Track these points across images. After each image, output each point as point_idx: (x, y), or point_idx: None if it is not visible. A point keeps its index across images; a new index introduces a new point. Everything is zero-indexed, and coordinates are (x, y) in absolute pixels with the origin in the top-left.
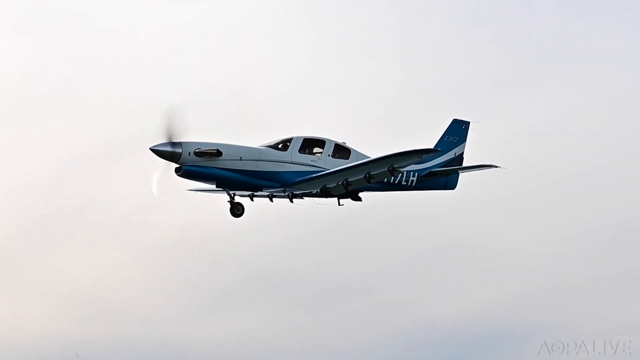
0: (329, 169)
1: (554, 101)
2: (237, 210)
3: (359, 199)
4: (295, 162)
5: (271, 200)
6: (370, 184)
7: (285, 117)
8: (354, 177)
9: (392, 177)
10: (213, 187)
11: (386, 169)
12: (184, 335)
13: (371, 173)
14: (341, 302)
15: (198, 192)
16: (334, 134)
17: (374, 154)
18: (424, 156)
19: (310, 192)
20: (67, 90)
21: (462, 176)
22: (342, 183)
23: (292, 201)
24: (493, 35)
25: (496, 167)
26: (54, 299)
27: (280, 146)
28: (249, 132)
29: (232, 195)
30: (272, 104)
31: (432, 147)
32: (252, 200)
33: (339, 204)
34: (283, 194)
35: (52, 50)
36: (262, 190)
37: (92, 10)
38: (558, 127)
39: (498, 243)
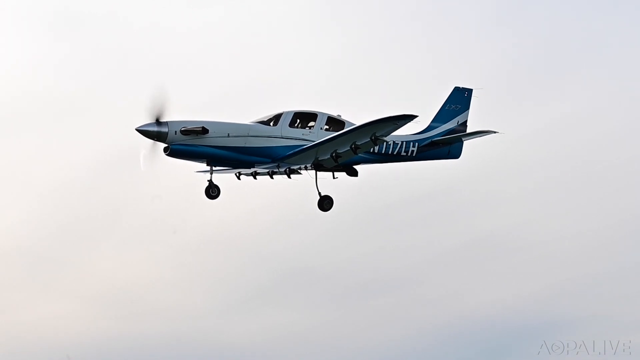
0: None
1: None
2: (212, 192)
3: (355, 174)
4: (285, 136)
5: (271, 177)
6: (356, 154)
7: (285, 92)
8: (341, 149)
9: (391, 146)
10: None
11: (369, 139)
12: (218, 333)
13: (357, 143)
14: (367, 296)
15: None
16: (330, 108)
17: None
18: (400, 122)
19: (306, 166)
20: (101, 90)
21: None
22: (332, 155)
23: (289, 177)
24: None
25: (494, 132)
26: (89, 298)
27: (270, 121)
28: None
29: (237, 174)
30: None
31: (413, 113)
32: (255, 178)
33: (334, 177)
34: (280, 170)
35: (85, 51)
36: (253, 167)
37: (125, 12)
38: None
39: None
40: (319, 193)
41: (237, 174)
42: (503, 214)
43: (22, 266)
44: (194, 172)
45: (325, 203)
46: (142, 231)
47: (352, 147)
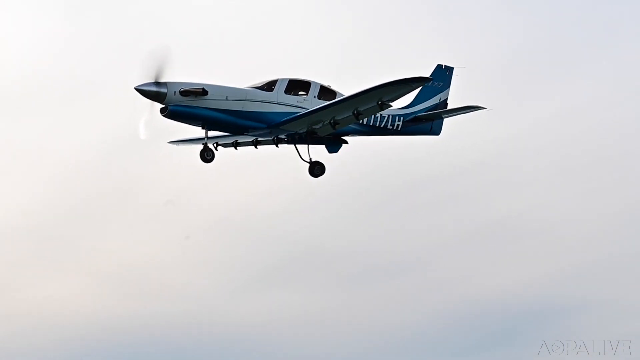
0: None
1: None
2: (207, 155)
3: (344, 142)
4: (281, 102)
5: (256, 147)
6: (358, 121)
7: (269, 61)
8: (341, 115)
9: (378, 118)
10: (193, 135)
11: (375, 103)
12: (230, 313)
13: (359, 109)
14: (374, 279)
15: (179, 145)
16: (318, 78)
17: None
18: (415, 85)
19: (296, 134)
20: (112, 71)
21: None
22: (330, 122)
23: (277, 146)
24: None
25: (482, 108)
26: (97, 277)
27: (265, 87)
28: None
29: (215, 145)
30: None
31: (426, 75)
32: (236, 149)
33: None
34: (269, 138)
35: (99, 32)
36: (247, 132)
37: None
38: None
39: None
40: (310, 159)
41: (215, 144)
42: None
43: (33, 245)
44: (166, 143)
45: (316, 169)
46: (153, 211)
47: (355, 112)
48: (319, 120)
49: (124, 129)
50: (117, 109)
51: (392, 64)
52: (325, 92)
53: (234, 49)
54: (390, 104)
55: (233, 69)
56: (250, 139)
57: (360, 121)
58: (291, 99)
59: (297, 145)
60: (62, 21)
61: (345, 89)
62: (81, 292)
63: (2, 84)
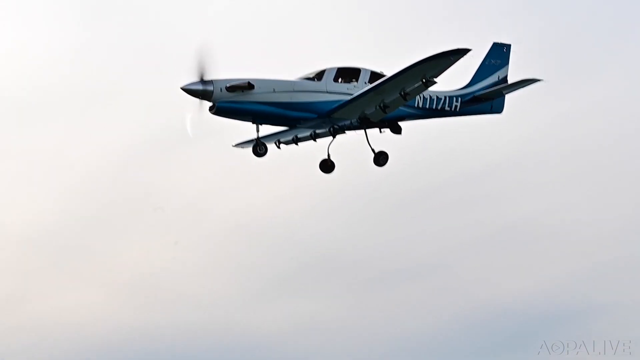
0: None
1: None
2: (259, 149)
3: (399, 131)
4: (330, 91)
5: (315, 140)
6: (406, 101)
7: (315, 51)
8: (389, 98)
9: (435, 100)
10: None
11: (419, 81)
12: (247, 322)
13: (406, 89)
14: (386, 285)
15: (245, 147)
16: (369, 64)
17: None
18: (454, 57)
19: (351, 123)
20: (130, 78)
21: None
22: (380, 106)
23: (334, 137)
24: None
25: (538, 80)
26: (113, 285)
27: (314, 77)
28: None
29: (277, 143)
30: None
31: (466, 47)
32: (296, 144)
33: (380, 132)
34: (325, 130)
35: (114, 40)
36: (299, 124)
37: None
38: None
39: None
40: (373, 150)
41: (277, 142)
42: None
43: (50, 253)
44: (232, 147)
45: (381, 158)
46: (169, 218)
47: (402, 93)
48: (368, 104)
49: (141, 134)
50: (135, 114)
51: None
52: (377, 78)
53: (275, 41)
54: (435, 80)
55: (277, 61)
56: (308, 132)
57: (416, 104)
58: (341, 87)
59: (366, 131)
60: (77, 27)
61: None
62: (98, 300)
63: (18, 91)
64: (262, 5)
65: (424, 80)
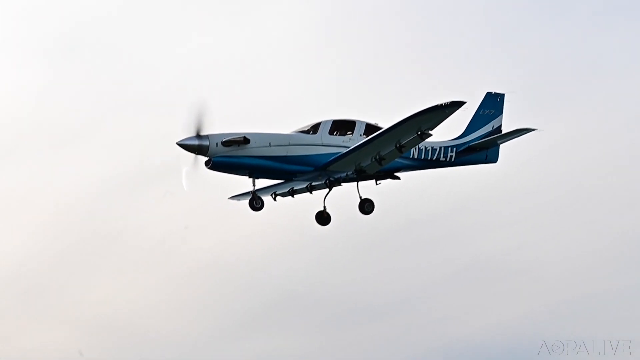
0: None
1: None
2: (256, 203)
3: (397, 178)
4: (326, 144)
5: (310, 193)
6: (402, 154)
7: (310, 105)
8: (385, 150)
9: (430, 151)
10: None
11: (415, 134)
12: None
13: (401, 142)
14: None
15: (240, 200)
16: (364, 117)
17: None
18: (449, 110)
19: (347, 175)
20: (101, 116)
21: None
22: (375, 158)
23: (330, 189)
24: None
25: (533, 130)
26: (83, 324)
27: (309, 130)
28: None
29: (272, 195)
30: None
31: (461, 99)
32: (293, 197)
33: (377, 183)
34: (321, 182)
35: (85, 78)
36: (295, 177)
37: (122, 38)
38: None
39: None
40: (360, 196)
41: (273, 195)
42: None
43: (18, 292)
44: (227, 199)
45: (366, 206)
46: (140, 256)
47: (397, 146)
48: (364, 157)
49: (111, 173)
50: (102, 155)
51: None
52: (372, 130)
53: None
54: (430, 132)
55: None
56: (304, 184)
57: (411, 155)
58: (337, 139)
59: (358, 183)
60: (46, 68)
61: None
62: (69, 339)
63: None
64: (253, 57)
65: (419, 133)
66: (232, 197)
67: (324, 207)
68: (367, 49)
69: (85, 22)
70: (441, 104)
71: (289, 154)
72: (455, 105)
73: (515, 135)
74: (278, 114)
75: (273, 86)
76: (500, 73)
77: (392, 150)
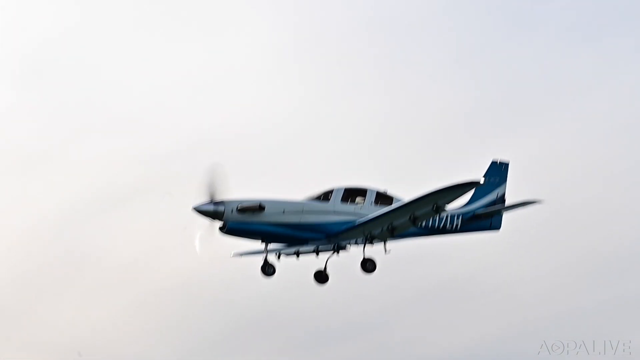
0: None
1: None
2: (268, 269)
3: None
4: (338, 211)
5: (317, 255)
6: (415, 225)
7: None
8: (398, 221)
9: (437, 220)
10: (257, 247)
11: (430, 209)
12: None
13: (416, 214)
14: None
15: (243, 257)
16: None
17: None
18: (467, 189)
19: (356, 241)
20: (66, 140)
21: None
22: (387, 228)
23: (337, 253)
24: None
25: (539, 202)
26: (51, 349)
27: (322, 197)
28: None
29: (277, 254)
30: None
31: (477, 179)
32: (297, 257)
33: (385, 252)
34: (328, 247)
35: (50, 99)
36: (307, 244)
37: (88, 61)
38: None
39: None
40: (364, 255)
41: (277, 254)
42: None
43: None
44: (232, 257)
45: (368, 264)
46: (105, 280)
47: (411, 218)
48: (376, 227)
49: (77, 196)
50: (68, 177)
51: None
52: (382, 198)
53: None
54: (446, 208)
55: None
56: (312, 247)
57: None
58: (348, 207)
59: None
60: (9, 89)
61: (401, 191)
62: None
63: None
64: (263, 121)
65: (434, 208)
66: (236, 255)
67: (325, 267)
68: (373, 115)
69: (50, 42)
70: (460, 183)
71: (302, 222)
72: (474, 184)
73: (519, 207)
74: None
75: (283, 150)
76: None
77: (405, 221)
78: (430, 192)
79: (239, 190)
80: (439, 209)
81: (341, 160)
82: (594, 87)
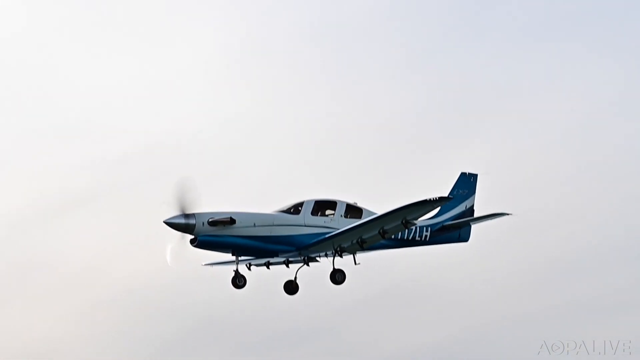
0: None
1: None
2: (238, 282)
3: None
4: (308, 224)
5: (287, 266)
6: (384, 239)
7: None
8: (368, 234)
9: (406, 231)
10: (228, 258)
11: (399, 223)
12: None
13: (385, 228)
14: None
15: (214, 266)
16: (342, 195)
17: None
18: (436, 204)
19: (325, 254)
20: (14, 145)
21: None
22: (357, 241)
23: (308, 264)
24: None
25: (507, 214)
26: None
27: (292, 210)
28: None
29: (247, 265)
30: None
31: (447, 195)
32: (268, 268)
33: (355, 263)
34: (299, 258)
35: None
36: (277, 256)
37: (37, 66)
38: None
39: None
40: (333, 267)
41: (248, 265)
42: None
43: None
44: (202, 265)
45: (337, 275)
46: (55, 287)
47: (380, 231)
48: (346, 240)
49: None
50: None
51: (415, 176)
52: (352, 210)
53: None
54: (415, 222)
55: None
56: (282, 259)
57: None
58: (318, 220)
59: (334, 257)
60: None
61: (370, 204)
62: None
63: None
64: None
65: (404, 222)
66: (207, 265)
67: (295, 277)
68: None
69: None
70: (429, 199)
71: (272, 234)
72: (443, 200)
73: (488, 218)
74: (256, 189)
75: (253, 164)
76: (475, 152)
77: (375, 234)
78: (400, 207)
79: (206, 202)
80: (409, 223)
81: (283, 169)
82: (544, 91)
